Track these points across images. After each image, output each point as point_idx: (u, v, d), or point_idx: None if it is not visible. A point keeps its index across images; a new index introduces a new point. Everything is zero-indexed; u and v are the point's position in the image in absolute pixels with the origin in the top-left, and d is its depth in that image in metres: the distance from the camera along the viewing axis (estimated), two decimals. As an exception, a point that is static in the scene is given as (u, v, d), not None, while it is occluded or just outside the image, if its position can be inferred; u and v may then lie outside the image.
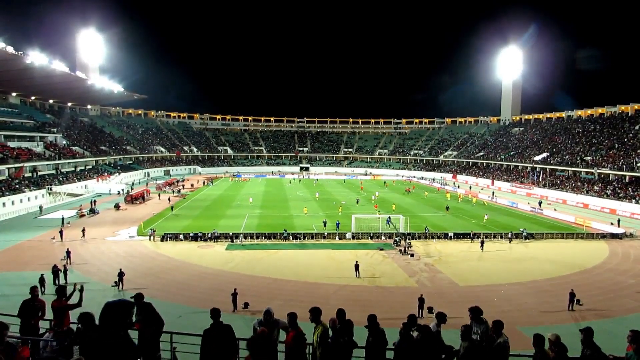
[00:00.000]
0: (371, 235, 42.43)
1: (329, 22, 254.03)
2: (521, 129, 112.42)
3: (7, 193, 54.57)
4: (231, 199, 66.92)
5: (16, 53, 60.56)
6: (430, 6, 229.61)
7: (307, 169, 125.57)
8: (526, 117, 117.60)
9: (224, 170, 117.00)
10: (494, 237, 42.90)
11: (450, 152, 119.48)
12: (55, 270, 27.88)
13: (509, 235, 42.40)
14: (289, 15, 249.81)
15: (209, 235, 40.83)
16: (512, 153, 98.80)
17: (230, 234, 41.37)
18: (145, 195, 68.17)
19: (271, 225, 45.88)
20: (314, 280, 29.68)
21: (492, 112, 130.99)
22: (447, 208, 58.25)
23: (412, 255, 35.91)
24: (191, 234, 41.02)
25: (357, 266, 30.48)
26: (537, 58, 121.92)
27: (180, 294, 26.34)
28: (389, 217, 45.65)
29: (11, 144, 67.72)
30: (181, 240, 40.61)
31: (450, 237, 42.23)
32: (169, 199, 64.74)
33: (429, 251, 37.86)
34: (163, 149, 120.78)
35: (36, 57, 64.95)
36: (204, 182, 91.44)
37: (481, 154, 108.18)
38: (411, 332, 7.00)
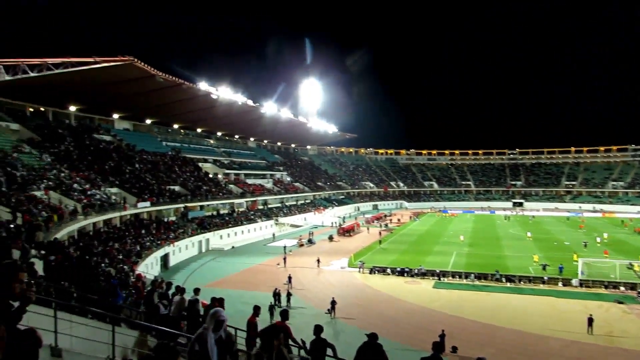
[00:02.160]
0: (605, 284, 36.01)
1: (539, 43, 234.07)
2: None
3: (245, 222, 64.59)
4: (438, 235, 65.56)
5: (254, 105, 72.32)
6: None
7: (520, 204, 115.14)
8: None
9: (430, 206, 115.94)
10: None
11: None
12: (275, 294, 31.17)
13: None
14: (492, 42, 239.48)
15: (416, 271, 40.52)
16: None
17: (437, 271, 40.31)
18: (355, 228, 72.07)
19: (481, 265, 43.09)
20: (532, 330, 26.46)
21: None
22: None
23: (664, 314, 29.11)
24: (398, 269, 41.39)
25: (590, 320, 25.97)
26: None
27: (386, 328, 26.52)
28: (630, 263, 38.19)
29: (249, 181, 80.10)
30: (388, 274, 41.29)
31: None
32: (379, 232, 66.95)
33: (690, 311, 30.13)
34: (371, 184, 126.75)
35: (268, 107, 76.48)
36: (410, 217, 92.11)
37: None
38: None
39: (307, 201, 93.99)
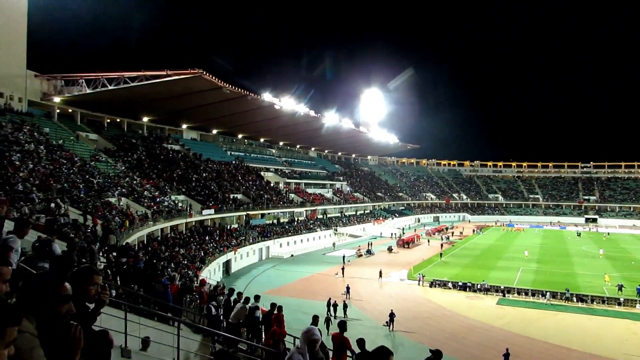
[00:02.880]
0: (692, 309, 32.93)
1: (616, 51, 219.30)
2: None
3: (304, 231, 65.33)
4: (503, 250, 62.84)
5: (316, 115, 73.25)
6: None
7: (594, 220, 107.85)
8: None
9: (495, 219, 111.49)
10: None
11: None
12: (329, 304, 30.54)
13: None
14: (561, 49, 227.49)
15: (479, 287, 39.03)
16: None
17: (502, 287, 38.61)
18: (415, 240, 70.73)
19: (549, 283, 40.74)
20: (608, 355, 24.68)
21: None
22: None
23: None
24: (460, 283, 40.07)
25: (672, 347, 23.95)
26: None
27: (447, 344, 25.69)
28: None
29: (309, 190, 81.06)
30: (449, 288, 40.08)
31: None
32: (441, 245, 65.20)
33: None
34: (433, 196, 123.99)
35: (329, 117, 77.15)
36: (473, 230, 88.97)
37: None
38: None
39: (366, 211, 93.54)
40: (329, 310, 30.22)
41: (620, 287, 37.92)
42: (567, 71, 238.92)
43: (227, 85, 50.03)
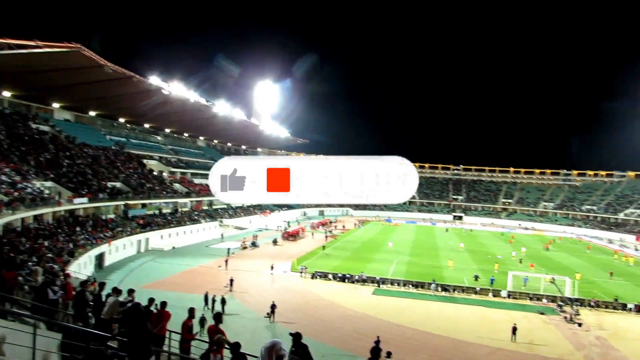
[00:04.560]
0: (530, 296, 38.39)
1: (490, 64, 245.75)
2: None
3: (188, 223, 63.26)
4: (381, 243, 67.07)
5: (206, 104, 71.21)
6: (608, 41, 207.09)
7: (460, 218, 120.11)
8: None
9: (375, 214, 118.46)
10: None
11: (633, 210, 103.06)
12: (206, 299, 30.16)
13: None
14: (448, 61, 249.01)
15: (357, 278, 41.36)
16: None
17: (378, 278, 41.34)
18: (300, 233, 72.43)
19: (419, 274, 44.56)
20: (463, 338, 27.80)
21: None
22: (611, 273, 49.86)
23: (579, 324, 31.42)
24: (339, 275, 42.07)
25: (514, 329, 27.68)
26: None
27: (325, 333, 26.96)
28: (553, 278, 40.82)
29: (196, 181, 78.55)
30: (330, 279, 41.88)
31: (630, 308, 35.95)
32: (326, 237, 67.82)
33: (602, 322, 32.69)
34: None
35: (221, 107, 75.50)
36: (355, 225, 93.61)
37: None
38: None
39: (253, 204, 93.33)
40: (206, 304, 29.63)
41: (476, 278, 42.99)
42: (438, 76, 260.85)
43: (110, 64, 46.44)
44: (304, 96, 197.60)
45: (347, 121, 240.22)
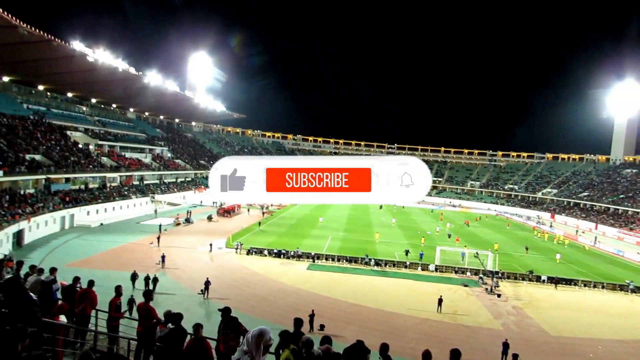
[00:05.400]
0: (456, 269, 40.72)
1: (423, 46, 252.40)
2: (634, 170, 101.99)
3: (117, 198, 60.46)
4: (316, 220, 67.91)
5: (136, 74, 67.60)
6: (532, 35, 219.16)
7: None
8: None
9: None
10: (595, 286, 39.07)
11: (549, 190, 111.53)
12: (134, 278, 28.60)
13: (630, 286, 38.48)
14: (382, 40, 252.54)
15: (292, 254, 41.76)
16: (621, 196, 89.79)
17: (312, 253, 41.97)
18: (236, 209, 71.66)
19: (353, 249, 45.79)
20: (392, 309, 29.07)
21: (600, 150, 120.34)
22: (527, 248, 54.12)
23: (498, 295, 33.85)
24: (275, 251, 42.27)
25: (440, 301, 29.32)
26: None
27: (260, 307, 27.11)
28: (477, 252, 43.44)
29: (125, 154, 74.92)
30: (265, 255, 41.97)
31: (544, 280, 39.20)
32: (262, 214, 67.69)
33: (518, 293, 35.43)
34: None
35: (152, 78, 72.12)
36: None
37: (585, 194, 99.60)
38: None
39: (188, 179, 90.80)
40: (133, 285, 27.95)
41: (407, 252, 44.86)
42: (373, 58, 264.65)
43: (26, 25, 42.61)
44: (240, 70, 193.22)
45: (284, 97, 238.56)
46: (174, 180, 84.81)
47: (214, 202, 76.97)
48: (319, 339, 6.50)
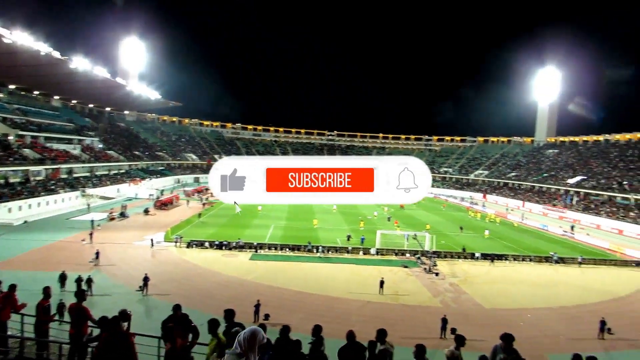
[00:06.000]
0: (396, 252, 41.90)
1: (360, 35, 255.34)
2: (556, 150, 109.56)
3: (42, 193, 56.53)
4: (257, 209, 67.22)
5: (61, 58, 63.18)
6: (463, 26, 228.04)
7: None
8: (561, 139, 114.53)
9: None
10: (523, 259, 41.73)
11: (481, 172, 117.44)
12: (62, 279, 26.73)
13: (554, 257, 41.52)
14: (320, 28, 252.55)
15: (234, 245, 41.12)
16: (545, 175, 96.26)
17: (255, 244, 41.56)
18: (174, 201, 69.47)
19: (296, 237, 45.83)
20: (337, 295, 29.44)
21: (526, 133, 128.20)
22: (461, 228, 56.87)
23: (436, 274, 35.24)
24: (216, 242, 41.41)
25: (382, 283, 30.06)
26: (576, 80, 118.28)
27: (202, 301, 26.46)
28: (415, 234, 44.99)
29: (52, 146, 70.17)
30: (207, 247, 41.03)
31: (477, 257, 41.27)
32: (203, 205, 66.10)
33: (455, 271, 37.07)
34: (194, 157, 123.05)
35: (80, 63, 67.75)
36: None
37: (513, 174, 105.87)
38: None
39: (121, 171, 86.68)
40: (62, 286, 26.00)
41: (349, 238, 45.58)
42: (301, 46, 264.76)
43: None
44: (176, 57, 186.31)
45: (223, 86, 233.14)
46: (107, 172, 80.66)
47: (150, 195, 74.25)
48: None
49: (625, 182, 74.84)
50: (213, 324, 6.71)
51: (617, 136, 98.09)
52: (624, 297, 32.04)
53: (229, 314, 7.16)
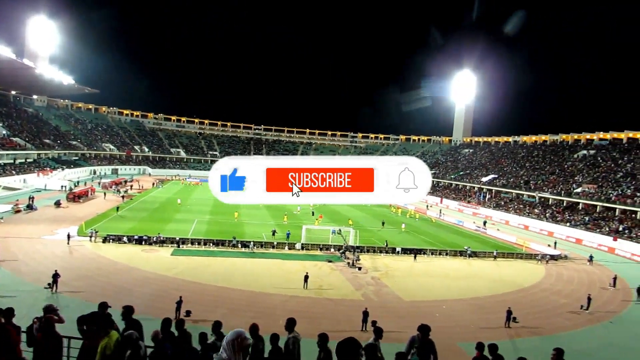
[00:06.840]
0: (321, 247, 42.52)
1: (287, 30, 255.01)
2: (471, 150, 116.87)
3: None
4: (181, 203, 65.16)
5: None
6: (385, 32, 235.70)
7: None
8: (476, 139, 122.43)
9: (175, 173, 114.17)
10: (440, 253, 44.10)
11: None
12: None
13: (468, 252, 44.12)
14: (248, 22, 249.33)
15: (154, 239, 39.53)
16: (461, 173, 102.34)
17: (177, 238, 40.26)
18: (89, 193, 65.42)
19: (220, 232, 45.03)
20: (261, 290, 29.32)
21: (445, 133, 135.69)
22: (383, 223, 59.02)
23: (359, 268, 36.25)
24: (136, 237, 39.55)
25: (306, 277, 30.32)
26: (489, 83, 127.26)
27: (118, 298, 25.11)
28: (340, 229, 45.89)
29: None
30: (125, 242, 39.09)
31: (398, 252, 42.99)
32: (122, 197, 63.03)
33: (377, 265, 38.36)
34: (113, 147, 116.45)
35: (-21, 41, 61.34)
36: (153, 184, 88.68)
37: (432, 172, 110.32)
38: None
39: (29, 160, 79.97)
40: None
41: (274, 232, 45.56)
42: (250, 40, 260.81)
43: None
44: (92, 40, 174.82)
45: (144, 73, 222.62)
46: (12, 161, 74.04)
47: (62, 186, 69.32)
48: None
49: (531, 181, 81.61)
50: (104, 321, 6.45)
51: (525, 138, 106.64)
52: (527, 288, 34.94)
53: (128, 311, 6.91)
